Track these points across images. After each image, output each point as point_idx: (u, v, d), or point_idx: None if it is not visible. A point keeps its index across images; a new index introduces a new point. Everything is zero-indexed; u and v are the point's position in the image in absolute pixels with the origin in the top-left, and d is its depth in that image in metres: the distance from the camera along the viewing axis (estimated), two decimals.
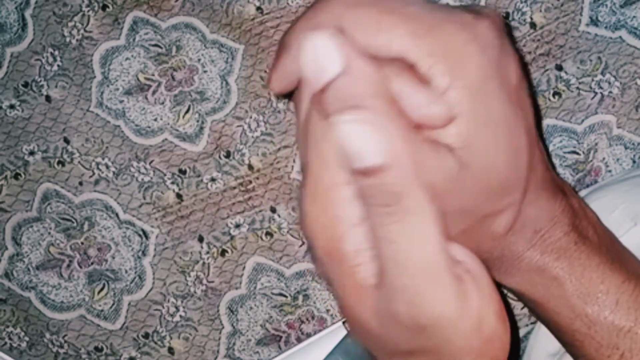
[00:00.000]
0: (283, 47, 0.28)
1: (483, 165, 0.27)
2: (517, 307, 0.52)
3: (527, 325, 0.52)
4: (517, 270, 0.32)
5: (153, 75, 0.54)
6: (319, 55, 0.24)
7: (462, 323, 0.25)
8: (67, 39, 0.54)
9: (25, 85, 0.55)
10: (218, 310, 0.55)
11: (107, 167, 0.55)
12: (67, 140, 0.55)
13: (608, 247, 0.32)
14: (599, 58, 0.51)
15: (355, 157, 0.23)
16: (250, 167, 0.54)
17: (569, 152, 0.51)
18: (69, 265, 0.55)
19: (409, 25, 0.26)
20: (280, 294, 0.54)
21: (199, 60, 0.53)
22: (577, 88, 0.51)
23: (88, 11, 0.54)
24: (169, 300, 0.55)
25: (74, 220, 0.55)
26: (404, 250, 0.24)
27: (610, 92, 0.51)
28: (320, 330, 0.53)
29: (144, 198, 0.55)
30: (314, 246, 0.26)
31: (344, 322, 0.50)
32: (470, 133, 0.26)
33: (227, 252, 0.54)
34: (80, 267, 0.55)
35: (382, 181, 0.23)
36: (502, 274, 0.33)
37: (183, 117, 0.54)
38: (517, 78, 0.28)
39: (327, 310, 0.54)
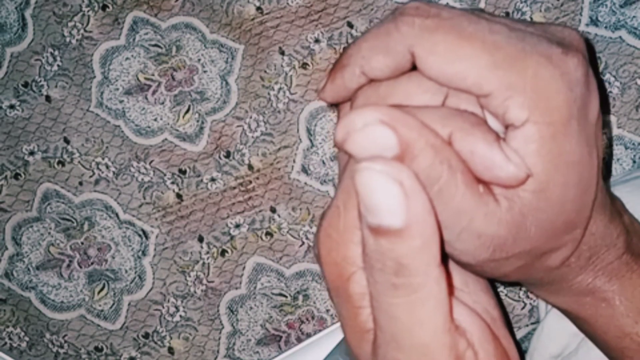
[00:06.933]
0: (344, 61, 0.27)
1: (551, 209, 0.25)
2: (517, 307, 0.52)
3: (527, 325, 0.52)
4: (566, 292, 0.31)
5: (153, 75, 0.54)
6: (374, 140, 0.21)
7: None
8: (67, 39, 0.54)
9: (25, 85, 0.54)
10: (218, 310, 0.55)
11: (107, 167, 0.55)
12: (67, 140, 0.55)
13: None
14: (599, 58, 0.51)
15: (369, 210, 0.20)
16: (250, 167, 0.54)
17: None
18: (69, 265, 0.55)
19: (491, 56, 0.24)
20: (280, 294, 0.54)
21: (199, 60, 0.53)
22: None
23: (88, 11, 0.54)
24: (169, 300, 0.55)
25: (74, 220, 0.55)
26: (402, 326, 0.22)
27: (610, 92, 0.51)
28: (320, 330, 0.53)
29: (144, 198, 0.55)
30: (324, 277, 0.25)
31: None
32: (545, 178, 0.25)
33: (227, 252, 0.54)
34: (80, 267, 0.55)
35: (393, 247, 0.21)
36: (549, 294, 0.32)
37: (183, 117, 0.54)
38: (597, 115, 0.26)
39: (327, 310, 0.54)
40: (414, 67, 0.26)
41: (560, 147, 0.25)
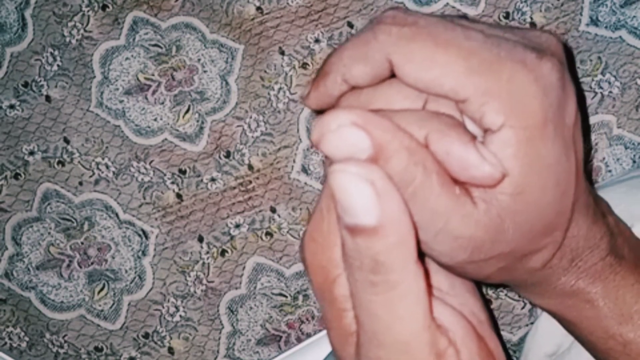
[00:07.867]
0: (326, 69, 0.27)
1: (528, 211, 0.26)
2: (517, 307, 0.52)
3: (527, 325, 0.52)
4: (550, 294, 0.31)
5: (153, 75, 0.54)
6: (348, 144, 0.21)
7: None
8: (67, 39, 0.54)
9: (25, 85, 0.55)
10: (218, 310, 0.55)
11: (107, 167, 0.55)
12: (67, 140, 0.55)
13: None
14: (599, 58, 0.51)
15: (345, 210, 0.21)
16: (250, 167, 0.54)
17: None
18: (69, 265, 0.55)
19: (466, 62, 0.24)
20: (280, 294, 0.54)
21: (199, 60, 0.53)
22: (578, 88, 0.51)
23: (88, 11, 0.54)
24: (169, 300, 0.55)
25: (74, 220, 0.55)
26: (382, 323, 0.22)
27: (610, 92, 0.51)
28: (320, 330, 0.53)
29: (144, 198, 0.55)
30: (310, 281, 0.25)
31: None
32: (522, 180, 0.25)
33: (227, 252, 0.54)
34: (80, 267, 0.55)
35: (369, 245, 0.21)
36: (534, 295, 0.32)
37: (183, 117, 0.54)
38: (574, 118, 0.27)
39: None
40: (394, 74, 0.26)
41: (536, 150, 0.25)
